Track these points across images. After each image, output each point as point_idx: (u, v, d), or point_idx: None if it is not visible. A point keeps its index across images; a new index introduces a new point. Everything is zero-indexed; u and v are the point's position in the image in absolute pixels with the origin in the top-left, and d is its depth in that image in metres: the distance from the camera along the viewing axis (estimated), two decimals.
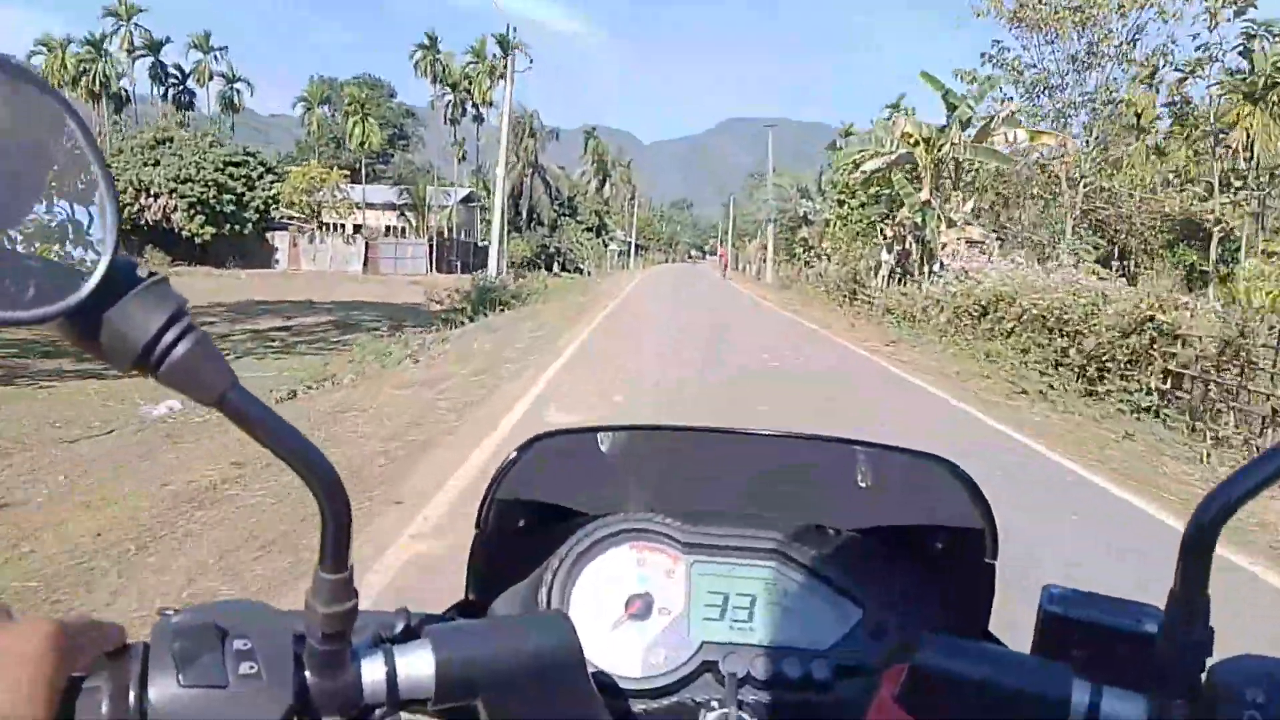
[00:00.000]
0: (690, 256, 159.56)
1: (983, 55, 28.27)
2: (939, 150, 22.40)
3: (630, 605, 0.83)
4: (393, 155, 64.47)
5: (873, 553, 0.89)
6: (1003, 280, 15.84)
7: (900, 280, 23.31)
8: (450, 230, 56.24)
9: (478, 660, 0.55)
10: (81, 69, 55.23)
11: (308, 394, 9.29)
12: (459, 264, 54.18)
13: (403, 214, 52.79)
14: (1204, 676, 0.50)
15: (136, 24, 58.79)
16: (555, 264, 62.85)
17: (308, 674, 0.50)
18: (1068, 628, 0.58)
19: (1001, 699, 0.54)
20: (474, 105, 56.36)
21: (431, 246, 50.71)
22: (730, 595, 0.84)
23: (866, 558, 0.88)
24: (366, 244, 48.37)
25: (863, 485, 0.91)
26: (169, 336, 0.42)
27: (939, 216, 22.15)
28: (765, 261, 44.78)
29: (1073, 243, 23.05)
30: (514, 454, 0.86)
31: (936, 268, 22.08)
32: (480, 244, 60.09)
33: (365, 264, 48.97)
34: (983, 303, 15.77)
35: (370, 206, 51.55)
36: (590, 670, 0.61)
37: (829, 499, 0.96)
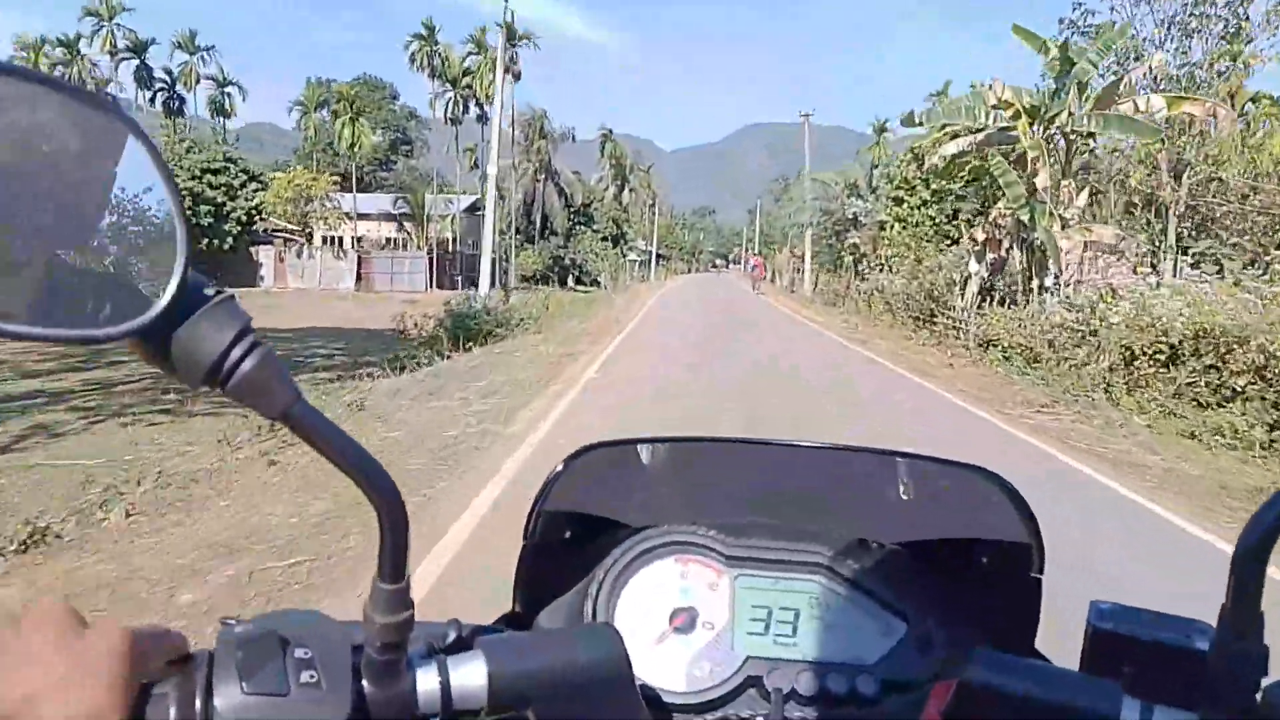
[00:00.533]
0: (714, 266, 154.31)
1: (1061, 21, 23.02)
2: (1051, 123, 16.92)
3: (675, 618, 0.83)
4: (395, 162, 60.02)
5: (917, 567, 0.87)
6: (1199, 307, 10.54)
7: (1004, 301, 17.82)
8: (454, 241, 51.46)
9: (529, 672, 0.56)
10: (55, 70, 50.96)
11: None
12: (462, 278, 49.30)
13: (401, 225, 48.03)
14: (1259, 695, 0.49)
15: (119, 24, 54.77)
16: (570, 276, 57.93)
17: (365, 683, 0.51)
18: (1117, 644, 0.57)
19: (1050, 716, 0.53)
20: (477, 103, 51.48)
21: (432, 260, 45.86)
22: (774, 609, 0.83)
23: (911, 572, 0.86)
24: (359, 258, 43.54)
25: (906, 498, 0.90)
26: (236, 352, 0.43)
27: (1051, 213, 16.65)
28: (801, 272, 39.41)
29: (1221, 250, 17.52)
30: (560, 465, 0.86)
31: (1050, 281, 16.69)
32: (492, 256, 55.49)
33: (359, 280, 44.16)
34: (1172, 341, 10.47)
35: (364, 217, 46.77)
36: (636, 684, 0.62)
37: (872, 512, 0.95)
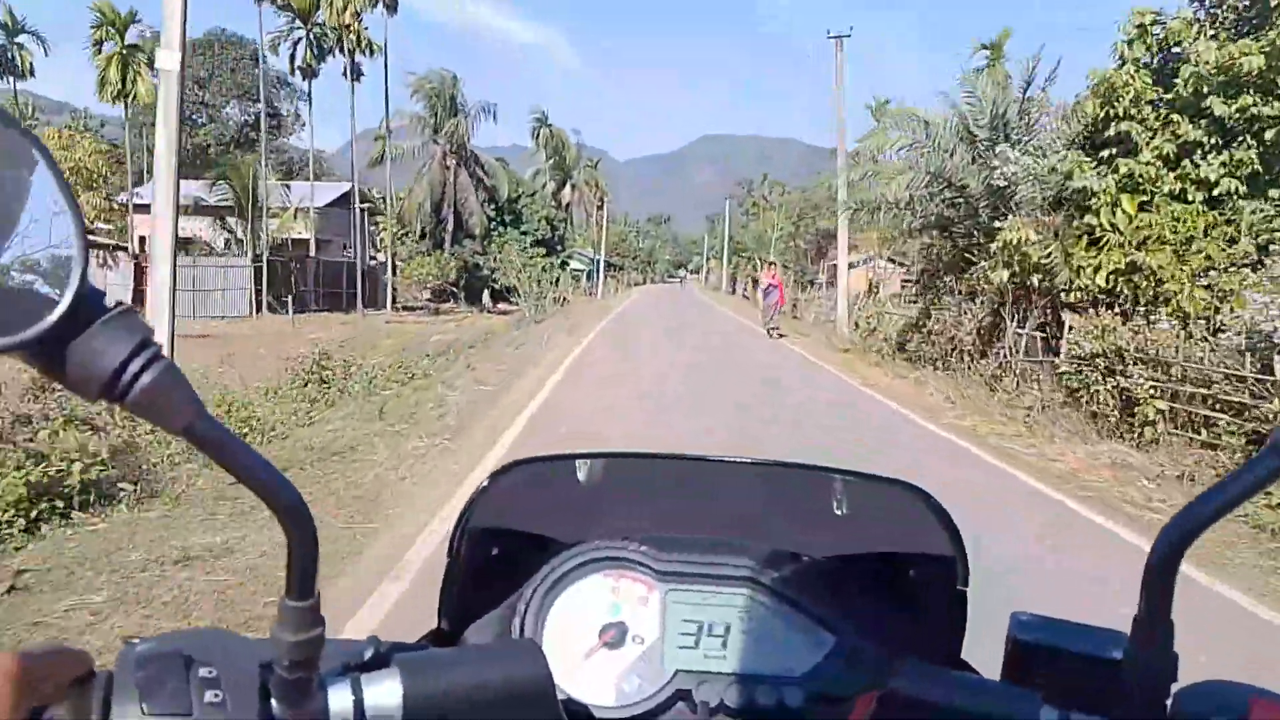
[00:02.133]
0: (674, 277, 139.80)
1: None
2: None
3: (604, 634, 0.82)
4: (255, 140, 44.51)
5: (846, 580, 0.88)
6: None
7: None
8: (311, 246, 35.97)
9: (446, 690, 0.54)
10: None
11: None
12: (318, 295, 33.54)
13: (222, 222, 32.30)
14: (1169, 702, 0.50)
15: None
16: (487, 291, 42.70)
17: (274, 703, 0.49)
18: (1036, 654, 0.59)
19: None
20: (345, 51, 35.96)
21: (262, 271, 30.19)
22: (705, 623, 0.83)
23: (840, 585, 0.87)
24: (138, 269, 27.74)
25: (837, 513, 0.90)
26: (135, 365, 0.41)
27: None
28: (842, 300, 24.22)
29: None
30: (485, 482, 0.85)
31: None
32: (370, 263, 39.72)
33: (138, 299, 28.37)
34: None
35: (142, 209, 30.69)
36: (563, 699, 0.62)
37: (804, 527, 0.94)
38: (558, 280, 48.90)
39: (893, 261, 59.53)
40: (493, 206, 47.64)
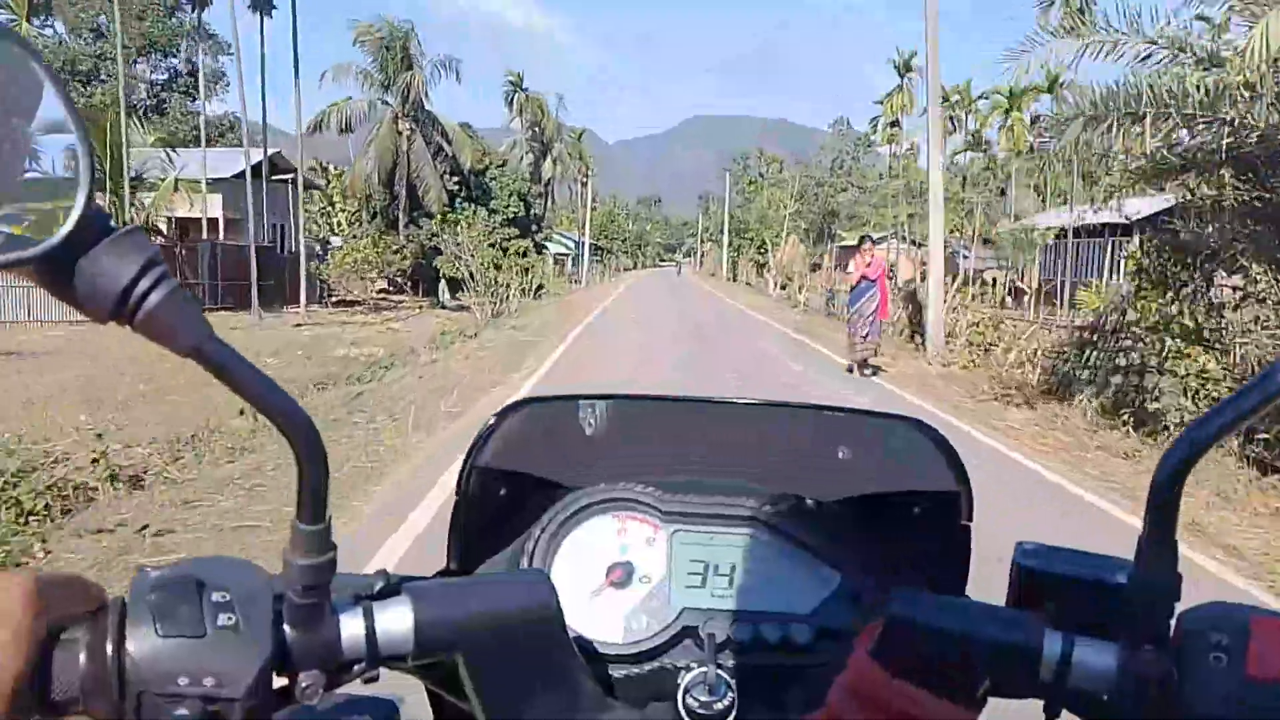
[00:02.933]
0: (665, 260, 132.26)
1: None
2: None
3: (611, 573, 0.82)
4: (167, 104, 36.75)
5: (851, 519, 0.89)
6: None
7: None
8: (218, 226, 28.38)
9: (456, 617, 0.55)
10: None
11: None
12: (217, 289, 26.04)
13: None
14: (1173, 623, 0.51)
15: None
16: (443, 281, 35.16)
17: (287, 628, 0.49)
18: (1041, 581, 0.58)
19: (974, 649, 0.54)
20: None
21: None
22: (711, 563, 0.84)
23: (845, 524, 0.88)
24: None
25: (841, 454, 0.92)
26: (143, 284, 0.41)
27: None
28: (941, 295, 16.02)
29: None
30: (493, 419, 0.86)
31: None
32: (294, 249, 32.03)
33: None
34: None
35: None
36: (572, 636, 0.63)
37: (808, 468, 0.95)
38: (531, 268, 41.48)
39: (916, 245, 51.39)
40: (455, 180, 39.97)
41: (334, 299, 31.69)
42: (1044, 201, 40.01)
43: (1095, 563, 0.57)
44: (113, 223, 0.42)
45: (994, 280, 36.79)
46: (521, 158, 57.62)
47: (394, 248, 34.17)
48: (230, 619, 0.47)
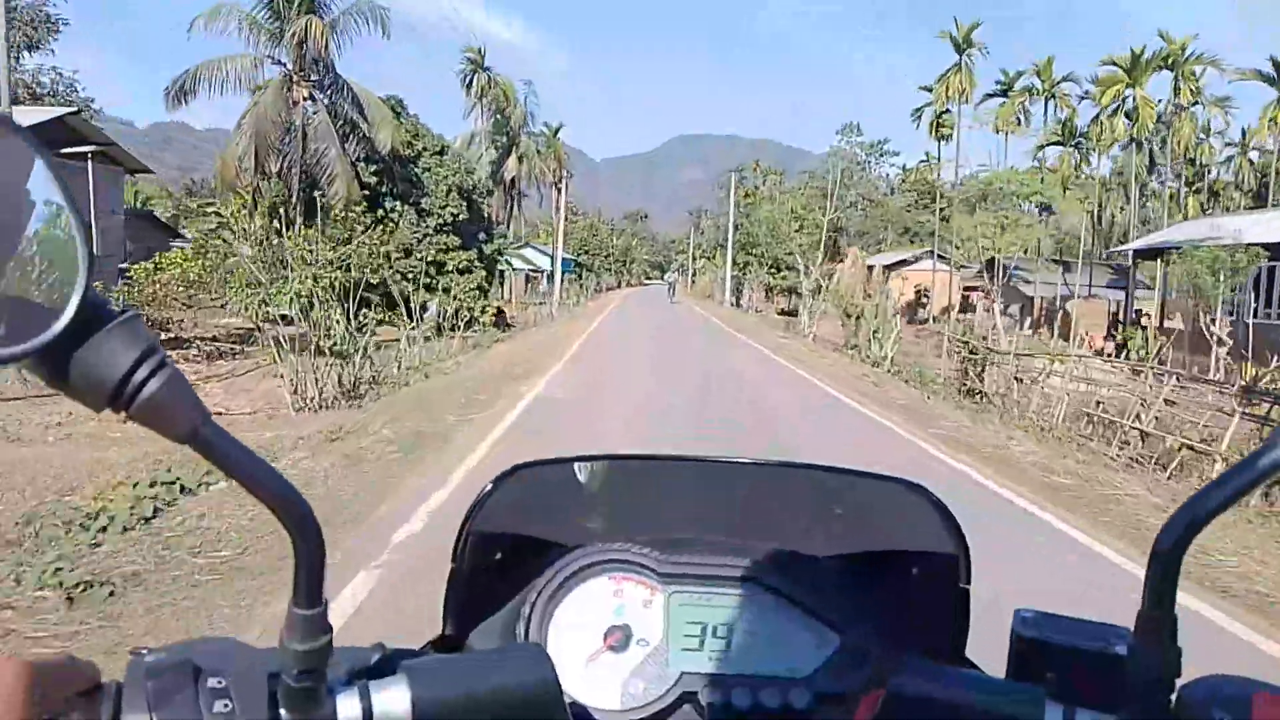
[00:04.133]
0: (651, 278, 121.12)
1: None
2: None
3: (609, 636, 0.81)
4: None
5: (849, 579, 0.88)
6: None
7: None
8: None
9: (454, 696, 0.53)
10: None
11: None
12: None
13: None
14: (1173, 696, 0.50)
15: None
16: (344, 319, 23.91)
17: (283, 711, 0.48)
18: (1040, 651, 0.57)
19: None
20: None
21: None
22: (709, 625, 0.82)
23: (843, 584, 0.86)
24: None
25: (837, 511, 0.91)
26: (140, 374, 0.41)
27: None
28: None
29: None
30: (489, 486, 0.85)
31: None
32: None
33: None
34: None
35: None
36: (569, 702, 0.61)
37: (805, 525, 0.94)
38: (480, 288, 30.37)
39: (944, 259, 40.75)
40: (375, 169, 28.88)
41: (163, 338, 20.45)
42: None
43: (1095, 632, 0.56)
44: (111, 308, 0.41)
45: (1139, 316, 26.34)
46: (481, 154, 46.63)
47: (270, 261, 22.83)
48: (226, 705, 0.46)
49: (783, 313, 45.75)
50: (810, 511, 0.93)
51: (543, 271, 65.66)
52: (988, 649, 0.79)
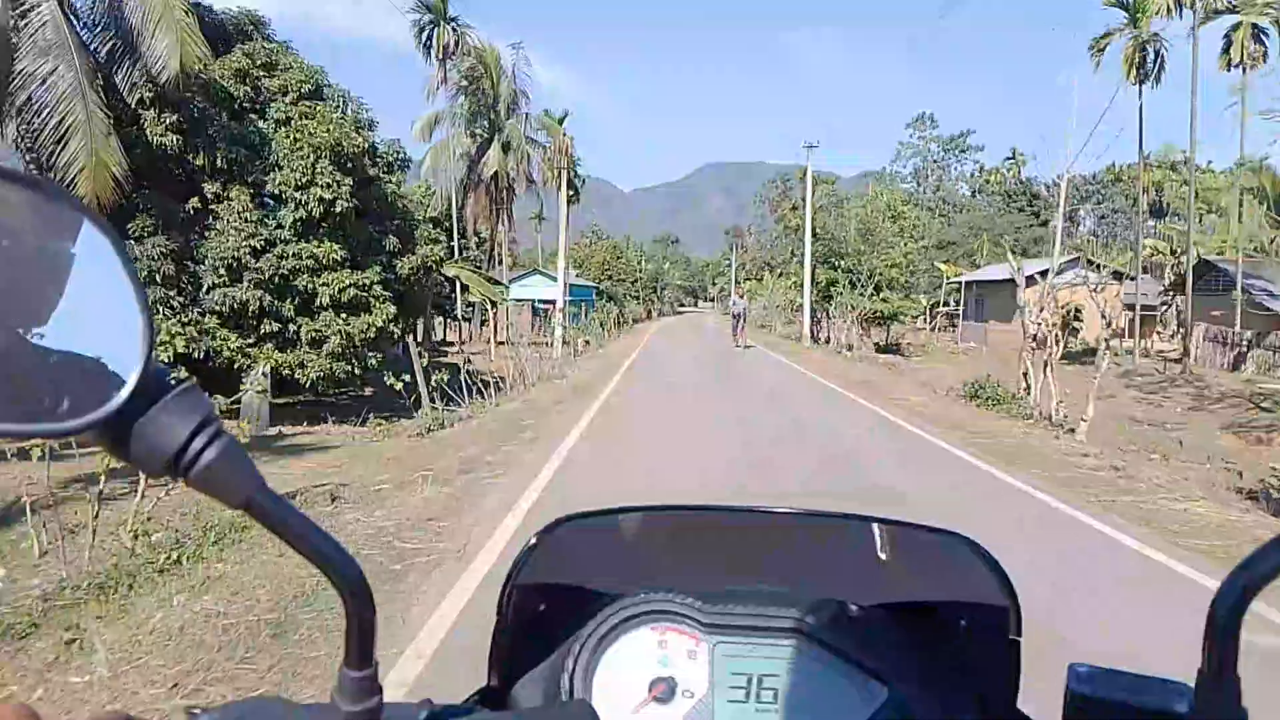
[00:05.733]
0: (684, 305, 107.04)
1: None
2: None
3: (654, 688, 0.80)
4: None
5: (897, 630, 0.86)
6: None
7: None
8: None
9: None
10: None
11: None
12: None
13: None
14: None
15: None
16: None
17: None
18: (1096, 709, 0.55)
19: None
20: None
21: None
22: (754, 676, 0.81)
23: (891, 635, 0.85)
24: None
25: (883, 561, 0.89)
26: (198, 443, 0.42)
27: None
28: None
29: None
30: (533, 540, 0.84)
31: None
32: None
33: None
34: None
35: None
36: None
37: (851, 575, 0.92)
38: (383, 334, 16.27)
39: (1096, 267, 25.48)
40: (169, 121, 14.92)
41: None
42: None
43: (1153, 689, 0.54)
44: (170, 378, 0.42)
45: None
46: (452, 142, 32.81)
47: None
48: None
49: (881, 349, 31.00)
50: (856, 562, 0.90)
51: (551, 304, 51.82)
52: None
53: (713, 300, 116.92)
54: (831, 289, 31.11)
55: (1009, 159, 75.23)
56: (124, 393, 0.40)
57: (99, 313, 0.41)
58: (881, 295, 30.22)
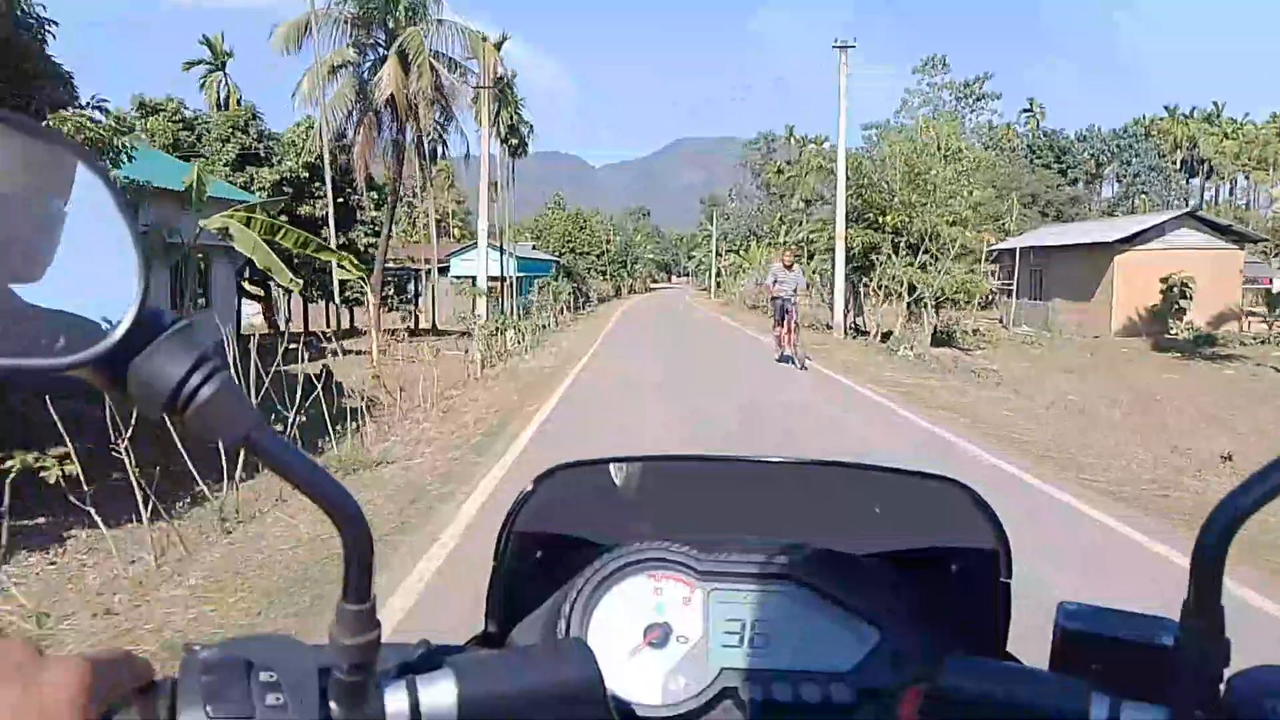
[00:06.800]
0: (657, 281, 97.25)
1: None
2: None
3: (649, 633, 0.81)
4: None
5: (889, 575, 0.87)
6: None
7: None
8: None
9: (499, 690, 0.54)
10: None
11: None
12: None
13: None
14: (1222, 687, 0.48)
15: None
16: None
17: (333, 705, 0.49)
18: (1084, 643, 0.57)
19: (1019, 716, 0.53)
20: None
21: None
22: (748, 622, 0.82)
23: (883, 580, 0.86)
24: None
25: (876, 509, 0.91)
26: (194, 380, 0.41)
27: None
28: None
29: None
30: (530, 486, 0.86)
31: None
32: None
33: None
34: None
35: None
36: (610, 697, 0.61)
37: (843, 523, 0.93)
38: None
39: (1216, 228, 10.16)
40: None
41: None
42: None
43: (1140, 624, 0.55)
44: (165, 318, 0.42)
45: None
46: (320, 56, 22.82)
47: None
48: (279, 699, 0.46)
49: (937, 340, 21.59)
50: (848, 509, 0.92)
51: (502, 280, 41.92)
52: None
53: (688, 275, 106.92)
54: (871, 257, 21.59)
55: (1026, 111, 65.34)
56: (119, 331, 0.40)
57: (94, 253, 0.41)
58: (942, 266, 20.84)
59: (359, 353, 24.16)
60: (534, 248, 56.10)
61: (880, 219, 21.75)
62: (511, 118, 34.40)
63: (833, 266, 21.96)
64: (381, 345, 23.03)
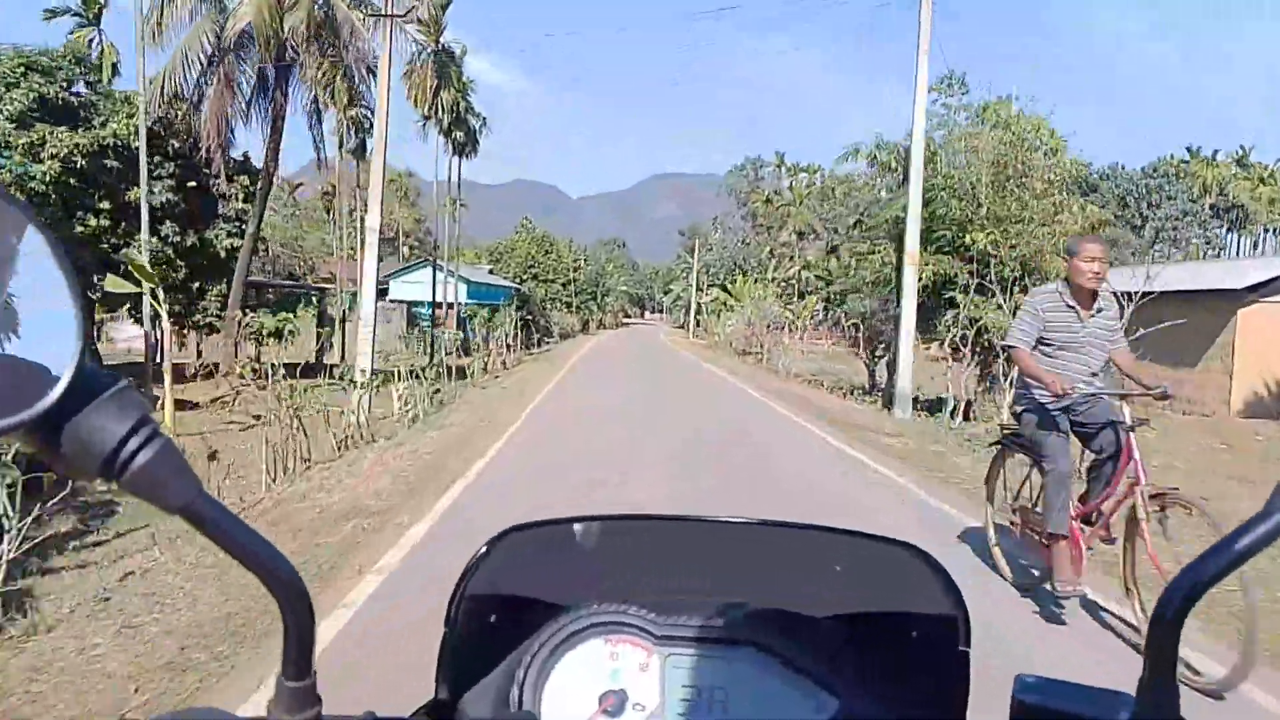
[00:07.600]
0: (630, 316, 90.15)
1: None
2: None
3: (604, 701, 0.77)
4: None
5: (848, 641, 0.85)
6: None
7: None
8: None
9: None
10: None
11: None
12: None
13: None
14: None
15: None
16: None
17: None
18: (1040, 717, 0.56)
19: None
20: None
21: None
22: (705, 689, 0.79)
23: (842, 646, 0.84)
24: None
25: (837, 573, 0.89)
26: (133, 444, 0.40)
27: None
28: None
29: None
30: (484, 548, 0.83)
31: None
32: None
33: None
34: None
35: None
36: None
37: (803, 586, 0.91)
38: None
39: None
40: None
41: None
42: None
43: (1097, 700, 0.54)
44: (104, 379, 0.40)
45: None
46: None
47: None
48: None
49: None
50: (807, 571, 0.89)
51: (453, 306, 34.67)
52: None
53: (664, 311, 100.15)
54: (949, 291, 14.59)
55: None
56: (55, 392, 0.38)
57: (33, 313, 0.39)
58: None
59: (192, 406, 16.36)
60: (491, 272, 48.94)
61: (961, 239, 14.77)
62: (456, 104, 27.17)
63: (898, 302, 14.84)
64: (232, 390, 15.31)
